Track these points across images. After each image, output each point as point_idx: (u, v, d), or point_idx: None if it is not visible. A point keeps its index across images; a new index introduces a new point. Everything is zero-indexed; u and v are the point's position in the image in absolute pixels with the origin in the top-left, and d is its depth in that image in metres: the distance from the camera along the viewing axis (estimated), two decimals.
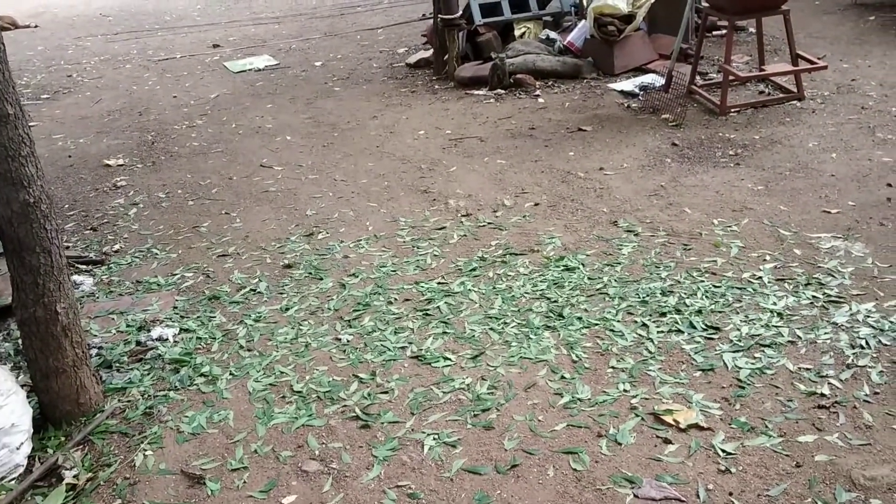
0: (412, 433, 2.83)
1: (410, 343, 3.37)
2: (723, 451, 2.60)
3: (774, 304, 3.37)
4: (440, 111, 6.51)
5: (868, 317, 3.22)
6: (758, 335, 3.18)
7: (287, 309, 3.74)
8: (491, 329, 3.41)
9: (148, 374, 3.31)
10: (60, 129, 7.08)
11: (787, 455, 2.56)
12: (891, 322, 3.17)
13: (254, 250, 4.38)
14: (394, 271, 3.99)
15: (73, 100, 8.10)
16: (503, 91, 6.80)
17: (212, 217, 4.88)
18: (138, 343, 3.55)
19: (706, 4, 6.08)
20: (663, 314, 3.39)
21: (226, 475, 2.72)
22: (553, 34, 7.57)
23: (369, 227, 4.52)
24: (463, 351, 3.28)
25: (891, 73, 6.15)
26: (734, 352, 3.09)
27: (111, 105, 7.73)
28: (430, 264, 4.03)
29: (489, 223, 4.40)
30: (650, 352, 3.15)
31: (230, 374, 3.28)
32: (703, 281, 3.61)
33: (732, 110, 5.72)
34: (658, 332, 3.27)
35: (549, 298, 3.60)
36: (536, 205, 4.57)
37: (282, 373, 3.25)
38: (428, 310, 3.61)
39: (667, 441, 2.67)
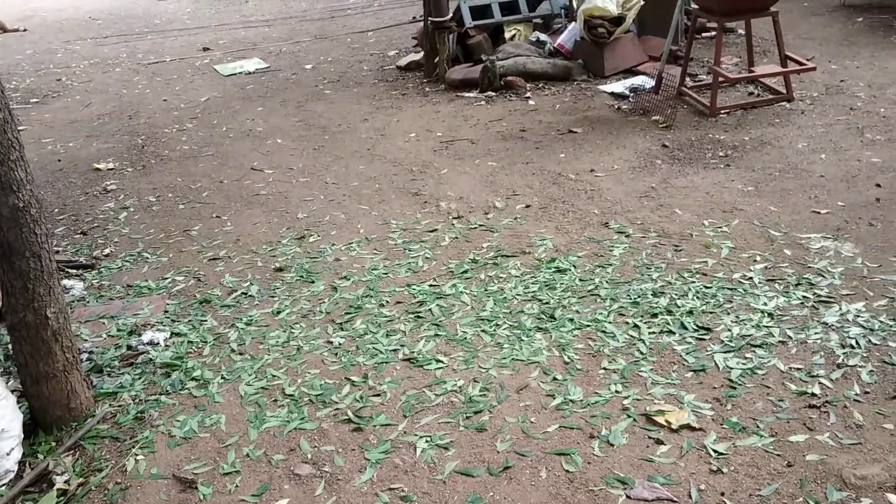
0: (404, 436, 2.83)
1: (402, 345, 3.37)
2: (714, 451, 2.61)
3: (765, 304, 3.39)
4: (431, 114, 6.52)
5: (858, 316, 3.24)
6: (749, 335, 3.19)
7: (278, 312, 3.73)
8: (483, 331, 3.41)
9: (139, 379, 3.30)
10: (50, 133, 7.05)
11: (778, 455, 2.57)
12: (880, 321, 3.18)
13: (245, 254, 4.37)
14: (385, 274, 3.99)
15: (63, 104, 8.07)
16: (494, 93, 6.81)
17: (202, 220, 4.86)
18: (129, 347, 3.54)
19: (695, 6, 6.11)
20: (654, 315, 3.40)
21: (218, 479, 2.71)
22: (543, 36, 7.58)
23: (361, 229, 4.52)
24: (455, 353, 3.28)
25: (879, 74, 6.19)
26: (725, 352, 3.10)
27: (101, 109, 7.71)
28: (422, 267, 4.03)
29: (480, 225, 4.41)
30: (642, 353, 3.16)
31: (222, 377, 3.27)
32: (693, 282, 3.62)
33: (722, 112, 5.74)
34: (649, 332, 3.28)
35: (540, 300, 3.60)
36: (528, 207, 4.58)
37: (273, 376, 3.24)
38: (420, 312, 3.61)
39: (659, 442, 2.68)
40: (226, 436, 2.92)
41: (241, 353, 3.43)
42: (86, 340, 3.61)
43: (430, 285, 3.83)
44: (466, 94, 6.88)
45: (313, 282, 3.98)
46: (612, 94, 6.44)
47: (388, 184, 5.14)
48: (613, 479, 2.54)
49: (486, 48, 7.46)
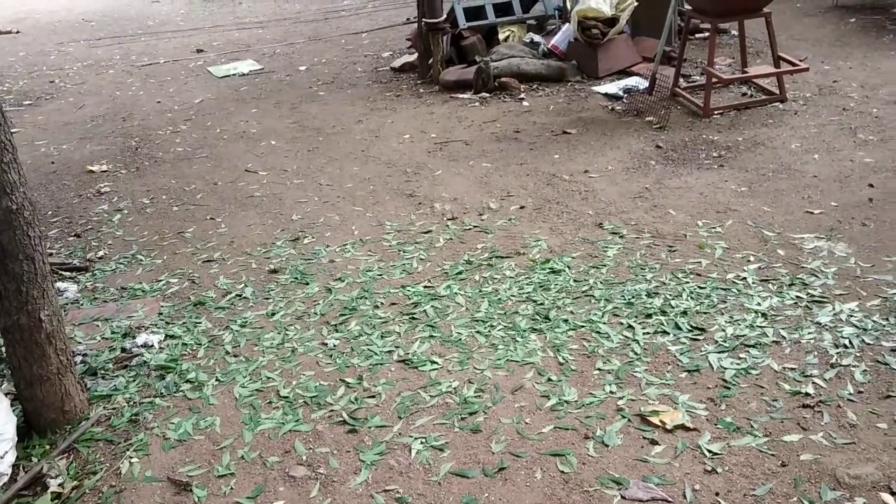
0: (399, 437, 2.83)
1: (397, 347, 3.37)
2: (709, 451, 2.61)
3: (759, 304, 3.40)
4: (425, 115, 6.52)
5: (851, 316, 3.25)
6: (743, 336, 3.20)
7: (273, 314, 3.73)
8: (477, 332, 3.42)
9: (133, 381, 3.29)
10: (43, 135, 7.03)
11: (772, 455, 2.58)
12: (874, 321, 3.19)
13: (239, 255, 4.36)
14: (380, 275, 3.99)
15: (56, 106, 8.05)
16: (488, 94, 6.81)
17: (197, 222, 4.86)
18: (123, 350, 3.53)
19: (689, 7, 6.13)
20: (649, 316, 3.40)
21: (212, 482, 2.70)
22: (537, 37, 7.59)
23: (355, 231, 4.52)
24: (450, 354, 3.28)
25: (871, 74, 6.21)
26: (719, 352, 3.11)
27: (94, 111, 7.69)
28: (417, 268, 4.03)
29: (475, 226, 4.41)
30: (636, 353, 3.16)
31: (216, 380, 3.27)
32: (687, 282, 3.63)
33: (716, 112, 5.75)
34: (644, 333, 3.28)
35: (535, 301, 3.60)
36: (522, 208, 4.58)
37: (268, 378, 3.24)
38: (414, 313, 3.61)
39: (653, 442, 2.68)
40: (220, 438, 2.92)
41: (235, 355, 3.43)
42: (80, 343, 3.60)
43: (425, 286, 3.84)
44: (460, 96, 6.88)
45: (308, 283, 3.97)
46: (605, 95, 6.45)
47: (383, 185, 5.14)
48: (608, 479, 2.54)
49: (480, 49, 7.46)
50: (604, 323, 3.39)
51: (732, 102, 5.94)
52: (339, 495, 2.59)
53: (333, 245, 4.36)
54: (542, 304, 3.57)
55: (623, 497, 2.47)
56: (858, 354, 3.02)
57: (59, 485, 2.71)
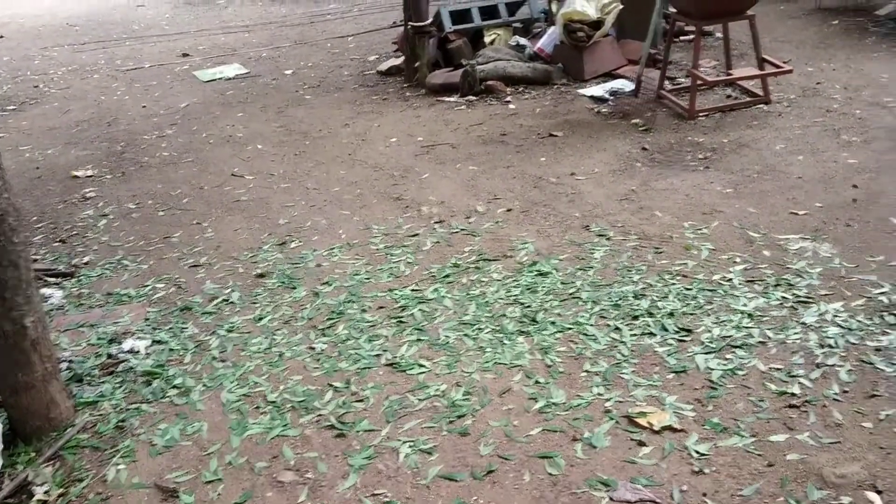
0: (388, 441, 2.82)
1: (385, 351, 3.36)
2: (696, 452, 2.62)
3: (745, 305, 3.41)
4: (412, 118, 6.52)
5: (836, 316, 3.27)
6: (729, 336, 3.21)
7: (260, 319, 3.72)
8: (465, 335, 3.42)
9: (120, 387, 3.28)
10: (27, 140, 6.99)
11: (759, 455, 2.59)
12: (858, 321, 3.22)
13: (226, 260, 4.35)
14: (367, 279, 3.99)
15: (41, 110, 8.00)
16: (474, 97, 6.82)
17: (183, 227, 4.84)
18: (109, 356, 3.51)
19: (674, 10, 6.16)
20: (636, 317, 3.41)
21: (200, 488, 2.69)
22: (523, 40, 7.60)
23: (342, 235, 4.51)
24: (437, 357, 3.28)
25: (854, 76, 6.26)
26: (706, 353, 3.13)
27: (79, 115, 7.65)
28: (404, 271, 4.02)
29: (462, 229, 4.41)
30: (623, 355, 3.17)
31: (203, 385, 3.25)
32: (674, 283, 3.64)
33: (701, 114, 5.78)
34: (631, 335, 3.29)
35: (522, 304, 3.61)
36: (509, 210, 4.59)
37: (256, 383, 3.23)
38: (402, 317, 3.61)
39: (641, 443, 2.69)
40: (208, 444, 2.90)
41: (222, 361, 3.42)
42: (65, 349, 3.57)
43: (413, 290, 3.83)
44: (447, 99, 6.89)
45: (295, 288, 3.96)
46: (591, 97, 6.47)
47: (370, 189, 5.14)
48: (596, 481, 2.55)
49: (466, 53, 7.46)
50: (591, 325, 3.39)
51: (717, 104, 5.97)
52: (328, 500, 2.58)
53: (320, 249, 4.35)
54: (529, 306, 3.58)
55: (611, 499, 2.47)
56: (843, 354, 3.03)
57: (45, 492, 2.70)
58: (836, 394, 2.83)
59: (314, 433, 2.90)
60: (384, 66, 8.12)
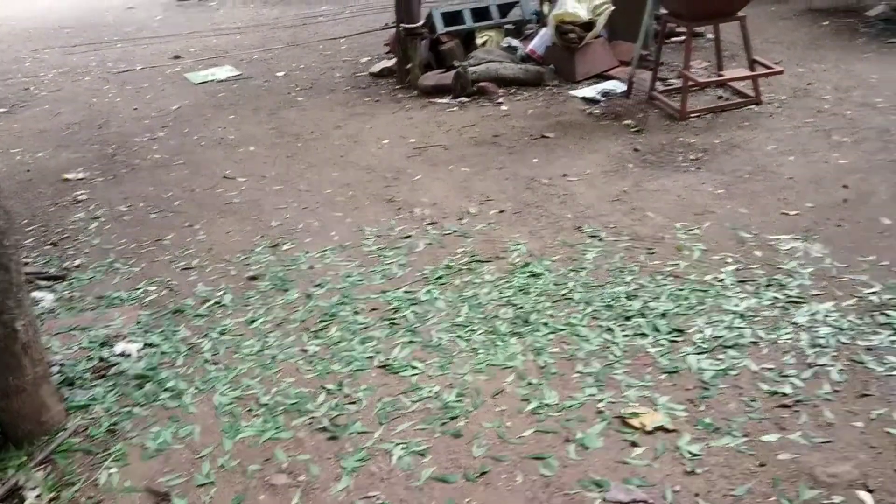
0: (380, 443, 2.82)
1: (378, 353, 3.36)
2: (689, 452, 2.63)
3: (736, 305, 3.42)
4: (404, 120, 6.52)
5: (827, 316, 3.28)
6: (721, 337, 3.22)
7: (252, 321, 3.71)
8: (458, 337, 3.42)
9: (111, 391, 3.26)
10: (18, 143, 6.96)
11: (751, 455, 2.60)
12: (849, 321, 3.23)
13: (218, 263, 4.34)
14: (360, 281, 3.98)
15: (32, 113, 7.97)
16: (466, 99, 6.82)
17: (175, 230, 4.83)
18: (101, 359, 3.50)
19: (665, 11, 6.17)
20: (628, 318, 3.42)
21: (192, 491, 2.69)
22: (515, 42, 7.62)
23: (335, 237, 4.51)
24: (430, 359, 3.28)
25: (845, 77, 6.29)
26: (698, 354, 3.13)
27: (70, 118, 7.62)
28: (397, 273, 4.02)
29: (455, 231, 4.41)
30: (616, 356, 3.18)
31: (196, 388, 3.25)
32: (666, 284, 3.65)
33: (692, 115, 5.80)
34: (623, 335, 3.30)
35: (515, 305, 3.61)
36: (501, 212, 4.59)
37: (248, 386, 3.22)
38: (395, 319, 3.61)
39: (633, 444, 2.70)
40: (200, 447, 2.90)
41: (215, 363, 3.41)
42: (56, 353, 3.56)
43: (405, 292, 3.83)
44: (439, 100, 6.89)
45: (287, 290, 3.96)
46: (583, 98, 6.48)
47: (362, 190, 5.14)
48: (589, 482, 2.55)
49: (458, 54, 7.47)
50: (583, 326, 3.40)
51: (709, 105, 5.98)
52: (321, 503, 2.58)
53: (313, 251, 4.35)
54: (522, 307, 3.58)
55: (604, 499, 2.48)
56: (835, 354, 3.05)
57: (37, 497, 2.69)
58: (827, 393, 2.84)
59: (307, 435, 2.90)
60: (376, 68, 8.11)
